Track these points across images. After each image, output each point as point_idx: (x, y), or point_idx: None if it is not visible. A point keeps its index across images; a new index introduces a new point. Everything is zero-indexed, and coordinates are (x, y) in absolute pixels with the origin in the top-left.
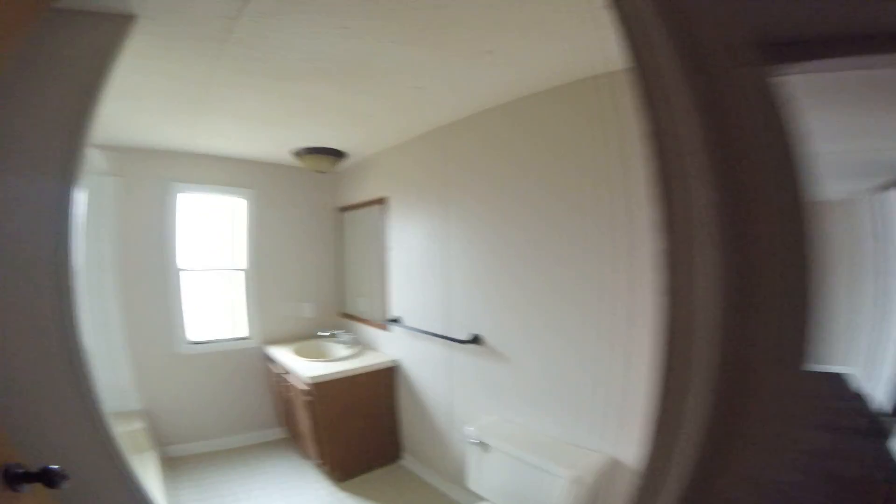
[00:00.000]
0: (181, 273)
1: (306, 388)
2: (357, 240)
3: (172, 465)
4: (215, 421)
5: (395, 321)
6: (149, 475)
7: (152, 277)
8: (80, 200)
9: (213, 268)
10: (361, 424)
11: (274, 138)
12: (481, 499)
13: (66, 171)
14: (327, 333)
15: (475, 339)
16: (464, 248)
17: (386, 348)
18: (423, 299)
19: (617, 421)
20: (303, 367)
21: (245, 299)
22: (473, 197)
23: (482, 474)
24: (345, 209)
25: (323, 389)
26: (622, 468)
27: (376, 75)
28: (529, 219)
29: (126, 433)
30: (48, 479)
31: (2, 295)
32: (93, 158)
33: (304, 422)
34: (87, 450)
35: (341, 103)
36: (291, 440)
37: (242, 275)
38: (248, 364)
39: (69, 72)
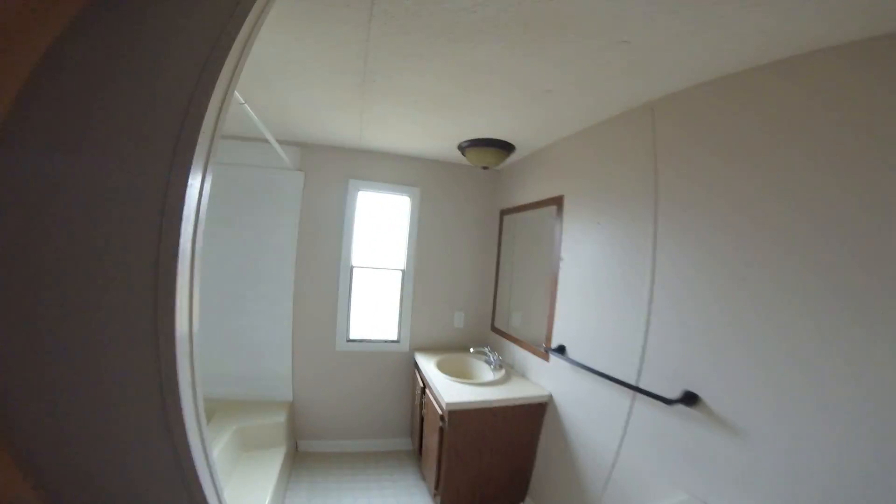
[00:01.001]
0: (354, 270)
1: (441, 412)
2: (519, 247)
3: (298, 459)
4: (351, 423)
5: (558, 351)
6: (268, 468)
7: (326, 272)
8: (199, 188)
9: (377, 266)
10: (490, 460)
11: (436, 130)
12: None
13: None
14: (475, 349)
15: (687, 399)
16: (677, 267)
17: (539, 377)
18: (602, 329)
19: None
20: (443, 388)
21: (398, 301)
22: (698, 198)
23: None
24: (507, 211)
25: (459, 418)
26: None
27: (566, 24)
28: (797, 229)
29: (269, 425)
30: None
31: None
32: (279, 153)
33: (431, 444)
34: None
35: (513, 74)
36: (416, 455)
37: (399, 275)
38: (394, 368)
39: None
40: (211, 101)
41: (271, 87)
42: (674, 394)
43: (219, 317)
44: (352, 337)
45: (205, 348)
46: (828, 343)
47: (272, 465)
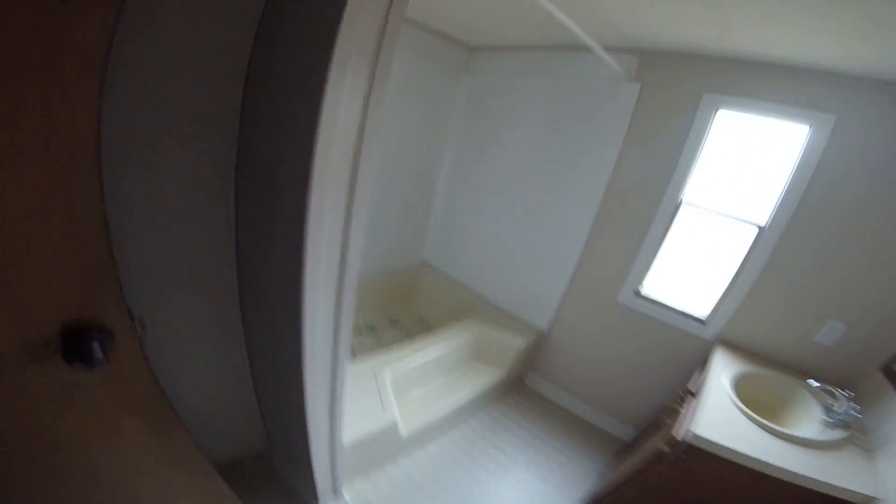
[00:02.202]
0: (681, 207)
1: (679, 437)
2: None
3: (516, 392)
4: (591, 386)
5: None
6: (474, 385)
7: (641, 203)
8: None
9: (719, 211)
10: None
11: (875, 22)
12: None
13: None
14: (820, 385)
15: None
16: None
17: (891, 469)
18: None
19: None
20: (713, 411)
21: (736, 269)
22: None
23: None
24: None
25: (699, 459)
26: None
27: None
28: None
29: (504, 346)
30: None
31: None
32: (605, 60)
33: (641, 456)
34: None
35: None
36: (625, 448)
37: (753, 233)
38: (678, 353)
39: None
40: None
41: None
42: None
43: (515, 221)
44: (643, 292)
45: (487, 243)
46: None
47: (483, 382)
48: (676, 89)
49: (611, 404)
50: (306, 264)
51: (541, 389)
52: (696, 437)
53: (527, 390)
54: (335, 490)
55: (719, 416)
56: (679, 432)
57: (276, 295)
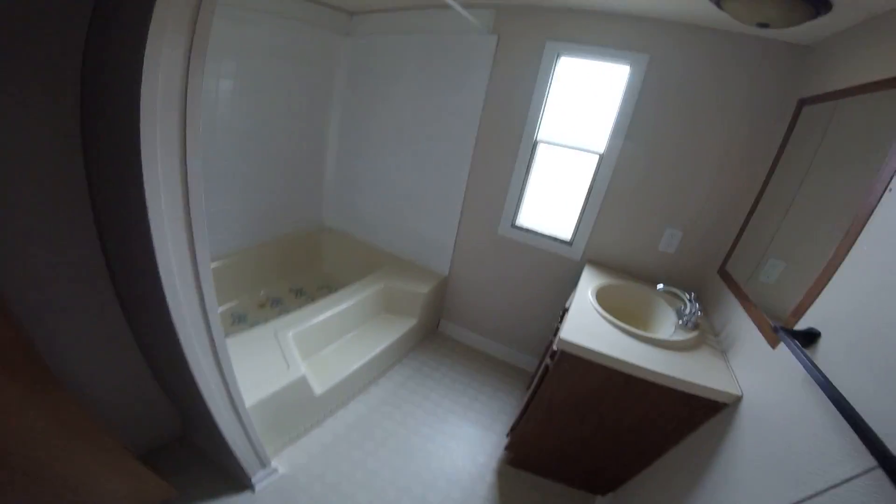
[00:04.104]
0: (538, 145)
1: (554, 348)
2: (821, 158)
3: (431, 338)
4: (495, 321)
5: (802, 338)
6: (391, 334)
7: (506, 143)
8: None
9: (567, 145)
10: (591, 436)
11: None
12: None
13: None
14: (666, 288)
15: None
16: None
17: (743, 366)
18: None
19: None
20: (578, 319)
21: (585, 193)
22: None
23: None
24: (811, 101)
25: (572, 365)
26: None
27: None
28: None
29: (410, 293)
30: None
31: None
32: (462, 14)
33: (538, 381)
34: None
35: None
36: (528, 382)
37: (595, 161)
38: (556, 275)
39: None
40: None
41: None
42: None
43: (406, 172)
44: (518, 223)
45: (384, 196)
46: None
47: (395, 332)
48: (526, 39)
49: (514, 337)
50: (155, 247)
51: (453, 334)
52: (563, 341)
53: (441, 336)
54: (262, 460)
55: (585, 322)
56: (554, 342)
57: (139, 277)
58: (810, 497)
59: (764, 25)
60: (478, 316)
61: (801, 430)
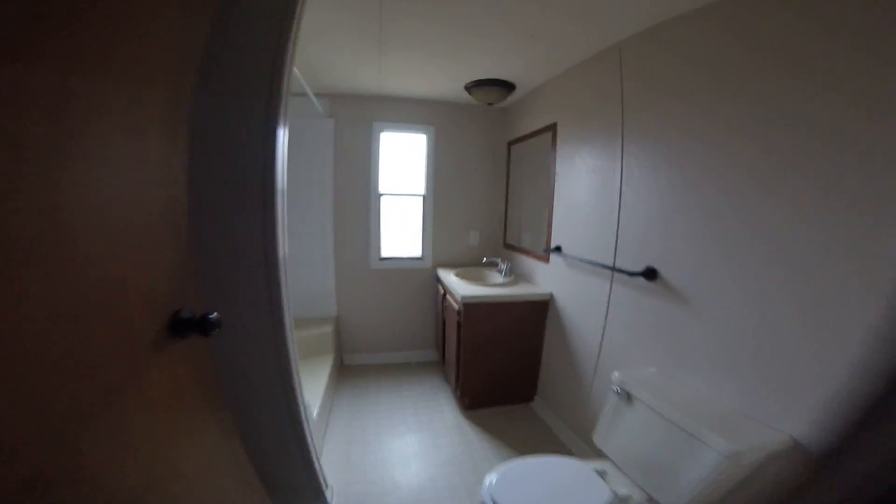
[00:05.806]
0: (381, 197)
1: (458, 307)
2: (524, 172)
3: (344, 371)
4: (387, 336)
5: (556, 250)
6: (319, 374)
7: (359, 200)
8: (281, 135)
9: (401, 193)
10: (502, 356)
11: (448, 73)
12: (603, 457)
13: (269, 109)
14: (488, 260)
15: (648, 273)
16: (643, 169)
17: (542, 280)
18: (589, 230)
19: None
20: (459, 287)
21: (421, 223)
22: (662, 116)
23: (613, 431)
24: (513, 142)
25: (473, 311)
26: (798, 451)
27: None
28: (730, 138)
29: (318, 335)
30: (203, 326)
31: (220, 208)
32: (314, 104)
33: (451, 344)
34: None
35: (506, 17)
36: (440, 364)
37: (420, 201)
38: (420, 283)
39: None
40: (285, 67)
41: (305, 49)
42: (638, 268)
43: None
44: (383, 255)
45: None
46: (746, 225)
47: (322, 372)
48: (357, 120)
49: (409, 340)
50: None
51: (360, 361)
52: (464, 297)
53: (350, 368)
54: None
55: (463, 288)
56: (456, 304)
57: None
58: (608, 304)
59: (490, 103)
60: (373, 337)
61: (578, 282)
